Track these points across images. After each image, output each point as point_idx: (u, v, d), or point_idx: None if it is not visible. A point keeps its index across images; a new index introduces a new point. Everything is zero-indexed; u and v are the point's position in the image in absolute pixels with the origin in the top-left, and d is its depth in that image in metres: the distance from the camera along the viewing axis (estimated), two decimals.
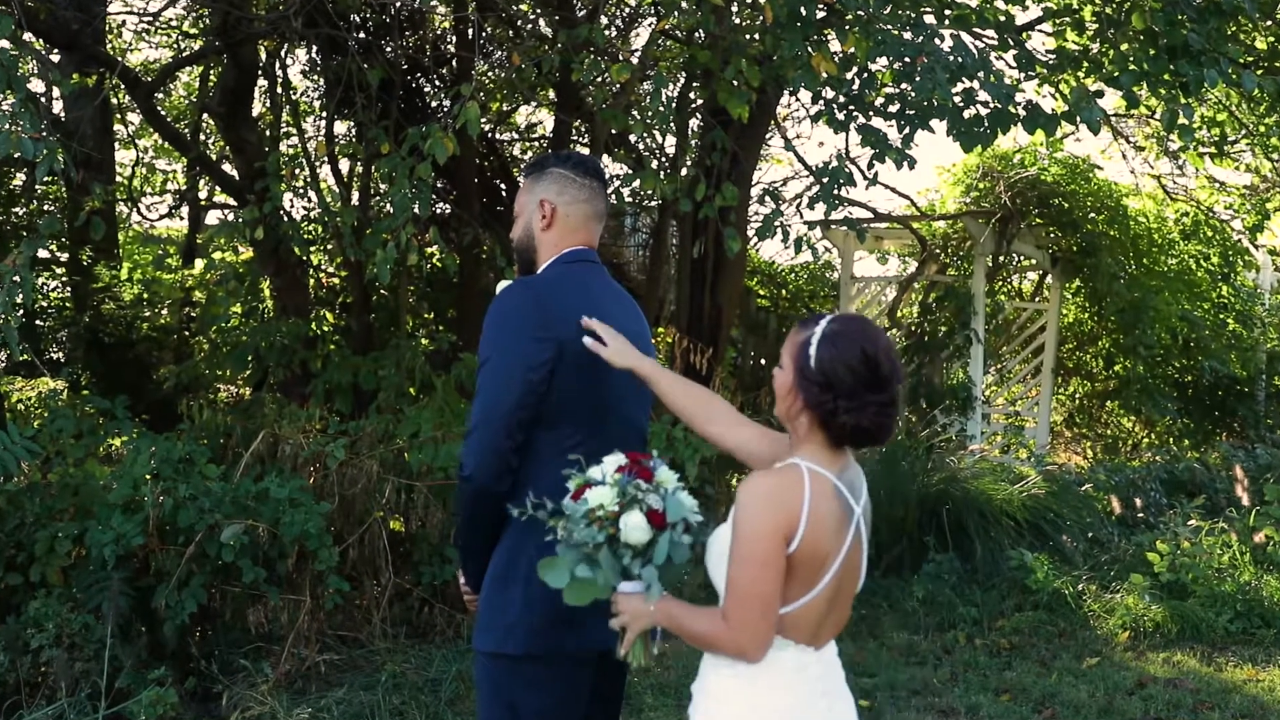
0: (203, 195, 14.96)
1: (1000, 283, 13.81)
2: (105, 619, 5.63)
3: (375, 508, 6.74)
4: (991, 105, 6.58)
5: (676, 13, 7.18)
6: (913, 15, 6.73)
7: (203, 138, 13.36)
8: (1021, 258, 13.78)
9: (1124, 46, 7.25)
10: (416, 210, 6.64)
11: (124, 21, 12.86)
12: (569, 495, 2.75)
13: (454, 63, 11.29)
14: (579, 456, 2.84)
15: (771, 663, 2.61)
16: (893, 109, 6.89)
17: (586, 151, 13.98)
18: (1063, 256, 13.14)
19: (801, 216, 14.93)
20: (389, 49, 9.65)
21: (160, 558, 5.88)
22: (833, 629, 2.71)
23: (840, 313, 2.74)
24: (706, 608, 2.67)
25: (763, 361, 16.82)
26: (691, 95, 10.75)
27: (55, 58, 10.46)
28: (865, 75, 6.85)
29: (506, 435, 2.95)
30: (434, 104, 11.47)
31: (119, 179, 14.07)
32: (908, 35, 6.51)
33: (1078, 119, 6.59)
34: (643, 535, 2.69)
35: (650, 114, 7.82)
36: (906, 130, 6.78)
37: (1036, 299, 14.21)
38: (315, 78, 12.48)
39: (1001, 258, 12.96)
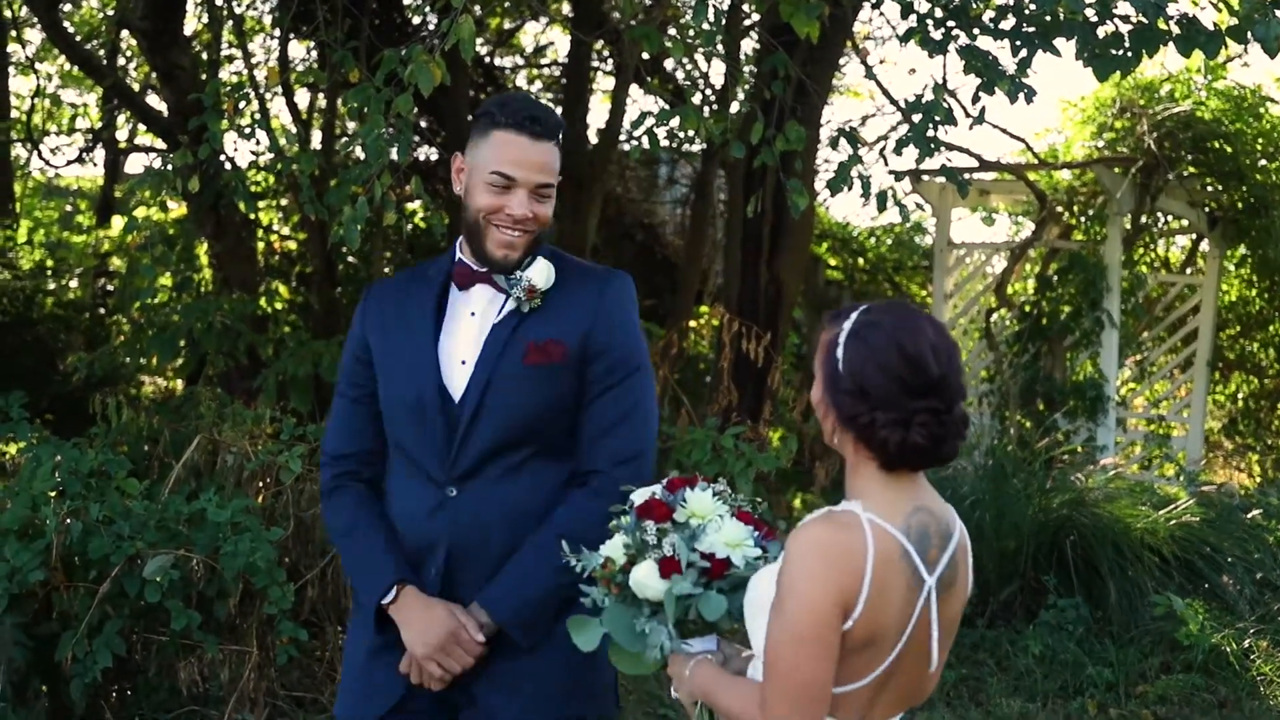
0: (122, 136, 15.04)
1: (1142, 250, 13.68)
2: None
3: None
4: (1135, 20, 6.50)
5: None
6: None
7: (122, 62, 13.42)
8: (1170, 218, 13.68)
9: None
10: (394, 156, 6.62)
11: None
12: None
13: None
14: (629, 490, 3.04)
15: None
16: (1005, 25, 6.82)
17: (611, 83, 13.95)
18: (1223, 216, 13.01)
19: (886, 164, 14.81)
20: None
21: (66, 598, 5.89)
22: (892, 710, 2.71)
23: (877, 301, 2.72)
24: (745, 680, 2.68)
25: None
26: (746, 9, 10.70)
27: None
28: None
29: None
30: (417, 20, 11.47)
31: (15, 114, 14.14)
32: None
33: (1249, 35, 6.50)
34: (658, 591, 2.73)
35: (693, 33, 7.78)
36: (1023, 53, 6.71)
37: (1189, 271, 14.09)
38: None
39: (1144, 218, 12.85)
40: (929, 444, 2.59)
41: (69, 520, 5.84)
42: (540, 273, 3.41)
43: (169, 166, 8.10)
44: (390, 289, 3.63)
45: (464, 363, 3.42)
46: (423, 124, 12.29)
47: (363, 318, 3.59)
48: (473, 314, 3.46)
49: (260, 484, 6.84)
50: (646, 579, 2.72)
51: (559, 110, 12.91)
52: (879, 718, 2.67)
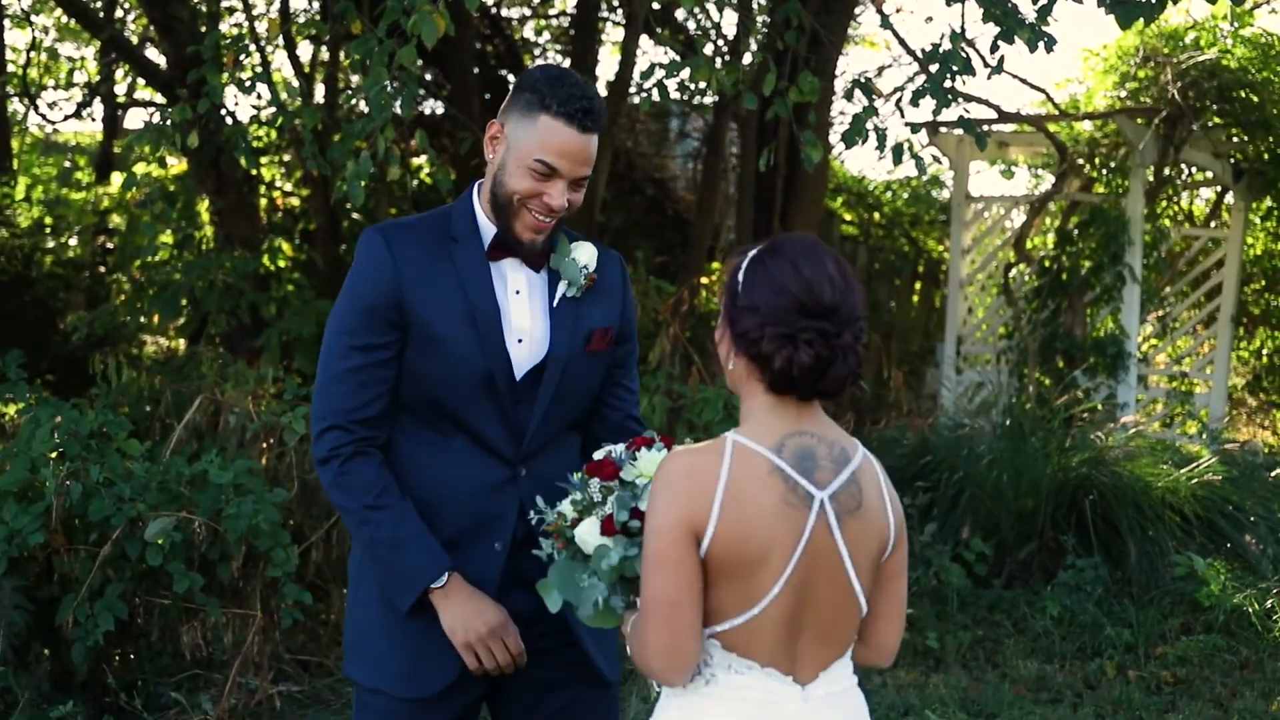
0: (120, 90, 15.00)
1: (1165, 203, 13.62)
2: None
3: None
4: None
5: None
6: None
7: (120, 14, 13.38)
8: (1194, 170, 13.61)
9: None
10: (398, 109, 6.61)
11: None
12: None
13: None
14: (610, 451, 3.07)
15: (728, 688, 2.65)
16: None
17: (621, 33, 13.89)
18: (1249, 168, 12.94)
19: (902, 116, 14.77)
20: None
21: (67, 561, 5.91)
22: (821, 654, 2.70)
23: (792, 233, 2.78)
24: None
25: None
26: None
27: None
28: None
29: None
30: None
31: (11, 68, 14.12)
32: None
33: None
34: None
35: None
36: (1043, 0, 6.67)
37: (1213, 224, 14.04)
38: None
39: (1167, 170, 12.78)
40: (814, 364, 2.62)
41: (69, 482, 5.86)
42: (589, 255, 3.50)
43: (168, 121, 8.11)
44: (413, 241, 3.47)
45: (520, 341, 3.45)
46: (427, 76, 12.24)
47: (395, 270, 3.41)
48: (517, 292, 3.47)
49: (263, 445, 6.85)
50: (589, 536, 2.80)
51: (567, 62, 12.89)
52: (809, 662, 2.68)
